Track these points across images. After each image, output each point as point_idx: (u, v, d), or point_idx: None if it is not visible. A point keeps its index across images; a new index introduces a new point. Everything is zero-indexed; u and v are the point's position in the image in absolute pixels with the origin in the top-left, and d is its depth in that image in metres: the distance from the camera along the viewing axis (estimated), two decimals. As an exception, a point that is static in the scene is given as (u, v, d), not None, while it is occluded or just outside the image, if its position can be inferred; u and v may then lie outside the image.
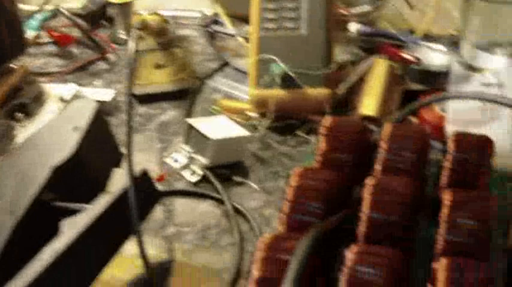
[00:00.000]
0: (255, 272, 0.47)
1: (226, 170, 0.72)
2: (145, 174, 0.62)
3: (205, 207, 0.70)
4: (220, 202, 0.69)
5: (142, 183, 0.61)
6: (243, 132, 0.73)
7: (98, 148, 0.66)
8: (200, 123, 0.73)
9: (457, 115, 0.71)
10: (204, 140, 0.71)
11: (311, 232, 0.49)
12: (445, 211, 0.52)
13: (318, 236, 0.49)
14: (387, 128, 0.61)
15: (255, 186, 0.70)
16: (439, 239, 0.52)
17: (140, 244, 0.58)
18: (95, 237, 0.58)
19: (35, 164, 0.66)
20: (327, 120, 0.63)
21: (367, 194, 0.54)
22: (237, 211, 0.67)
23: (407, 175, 0.58)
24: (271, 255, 0.48)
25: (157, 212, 0.68)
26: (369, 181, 0.55)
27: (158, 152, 0.77)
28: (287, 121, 0.78)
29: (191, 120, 0.74)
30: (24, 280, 0.53)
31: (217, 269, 0.62)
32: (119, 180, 0.61)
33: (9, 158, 0.68)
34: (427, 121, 0.73)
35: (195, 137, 0.73)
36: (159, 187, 0.71)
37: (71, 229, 0.58)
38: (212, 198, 0.70)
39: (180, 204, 0.70)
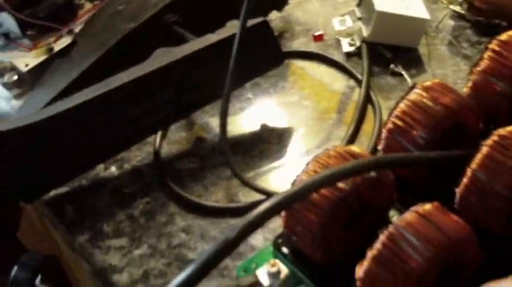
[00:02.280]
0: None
1: (389, 52, 0.60)
2: (263, 25, 0.52)
3: (343, 86, 0.59)
4: (358, 82, 0.58)
5: (258, 34, 0.52)
6: (422, 14, 0.59)
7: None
8: (381, -12, 0.60)
9: None
10: (371, 9, 0.59)
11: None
12: None
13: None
14: None
15: (409, 80, 0.58)
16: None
17: (225, 101, 0.50)
18: (186, 74, 0.51)
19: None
20: (504, 35, 0.49)
21: (484, 146, 0.41)
22: (370, 102, 0.56)
23: None
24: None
25: (291, 69, 0.60)
26: (498, 131, 0.42)
27: (336, 8, 0.66)
28: (494, 20, 0.62)
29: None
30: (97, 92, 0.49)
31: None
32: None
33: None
34: None
35: (366, 3, 0.60)
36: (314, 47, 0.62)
37: (158, 59, 0.51)
38: (352, 76, 0.59)
39: (320, 71, 0.60)
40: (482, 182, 0.40)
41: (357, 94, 0.56)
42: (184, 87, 0.51)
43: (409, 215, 0.38)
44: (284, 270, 0.42)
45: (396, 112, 0.44)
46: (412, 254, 0.36)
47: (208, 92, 0.53)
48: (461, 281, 0.38)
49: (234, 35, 0.49)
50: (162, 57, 0.51)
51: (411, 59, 0.60)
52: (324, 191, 0.39)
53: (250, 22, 0.51)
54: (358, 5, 0.62)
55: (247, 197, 0.49)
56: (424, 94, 0.44)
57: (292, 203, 0.36)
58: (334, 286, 0.41)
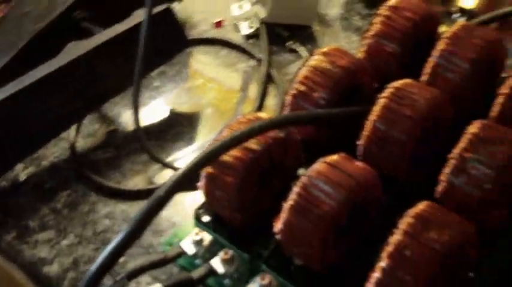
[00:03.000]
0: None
1: (286, 31, 0.63)
2: (167, 11, 0.55)
3: (244, 66, 0.61)
4: (259, 62, 0.61)
5: (162, 21, 0.54)
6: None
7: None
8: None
9: None
10: (266, -9, 0.62)
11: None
12: (458, 146, 0.41)
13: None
14: (454, 27, 0.50)
15: (305, 54, 0.61)
16: (442, 179, 0.42)
17: (136, 88, 0.52)
18: (94, 65, 0.53)
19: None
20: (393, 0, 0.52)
21: (381, 99, 0.44)
22: (270, 79, 0.59)
23: (453, 89, 0.47)
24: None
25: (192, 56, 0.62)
26: (392, 84, 0.45)
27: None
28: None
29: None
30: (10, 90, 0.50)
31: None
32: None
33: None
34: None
35: (262, -14, 0.64)
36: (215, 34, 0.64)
37: (69, 53, 0.53)
38: (252, 57, 0.62)
39: (220, 56, 0.63)
40: (382, 131, 0.44)
41: (259, 73, 0.59)
42: (94, 79, 0.52)
43: (319, 165, 0.40)
44: (207, 238, 0.45)
45: (298, 78, 0.47)
46: (325, 199, 0.39)
47: (118, 82, 0.54)
48: (367, 222, 0.41)
49: (140, 23, 0.52)
50: (72, 50, 0.52)
51: (306, 36, 0.63)
52: (237, 153, 0.41)
53: (155, 10, 0.53)
54: (254, -11, 0.65)
55: (165, 178, 0.51)
56: (323, 58, 0.48)
57: (212, 158, 0.39)
58: (253, 246, 0.43)
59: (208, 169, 0.42)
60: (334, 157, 0.41)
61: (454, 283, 0.38)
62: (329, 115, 0.45)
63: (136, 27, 0.52)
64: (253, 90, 0.58)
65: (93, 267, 0.36)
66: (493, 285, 0.41)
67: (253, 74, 0.60)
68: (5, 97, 0.49)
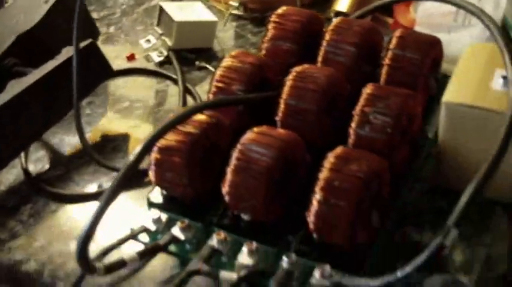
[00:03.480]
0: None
1: (191, 54, 0.73)
2: (92, 45, 0.63)
3: (162, 87, 0.71)
4: (177, 82, 0.70)
5: (89, 53, 0.63)
6: (211, 17, 0.73)
7: (68, 20, 0.66)
8: (171, 5, 0.73)
9: (426, 18, 0.68)
10: (170, 22, 0.71)
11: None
12: (359, 104, 0.52)
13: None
14: (336, 21, 0.61)
15: (213, 69, 0.70)
16: (351, 133, 0.51)
17: (77, 111, 0.60)
18: (36, 99, 0.60)
19: (3, 32, 0.68)
20: (279, 9, 0.63)
21: (288, 81, 0.54)
22: (188, 92, 0.68)
23: (344, 68, 0.57)
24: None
25: (113, 87, 0.71)
26: (295, 69, 0.55)
27: (138, 35, 0.78)
28: (266, 13, 0.77)
29: (163, 3, 0.74)
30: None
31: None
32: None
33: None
34: (399, 23, 0.71)
35: (164, 19, 0.73)
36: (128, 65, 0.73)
37: (13, 89, 0.60)
38: (168, 78, 0.71)
39: (138, 82, 0.72)
40: (294, 106, 0.53)
41: (176, 90, 0.68)
42: (37, 109, 0.60)
43: (249, 134, 0.50)
44: (164, 216, 0.53)
45: (216, 78, 0.56)
46: (261, 157, 0.48)
47: (55, 112, 0.62)
48: (298, 178, 0.51)
49: (70, 58, 0.60)
50: (13, 87, 0.59)
51: (210, 56, 0.73)
52: (179, 137, 0.50)
53: (82, 44, 0.61)
54: (158, 24, 0.74)
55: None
56: (233, 60, 0.57)
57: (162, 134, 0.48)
58: (205, 216, 0.52)
59: (156, 155, 0.51)
60: (260, 127, 0.50)
61: (375, 208, 0.48)
62: (247, 98, 0.55)
63: (68, 61, 0.60)
64: (174, 103, 0.67)
65: (82, 233, 0.43)
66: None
67: (172, 91, 0.69)
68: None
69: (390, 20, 0.73)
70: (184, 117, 0.50)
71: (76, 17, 0.60)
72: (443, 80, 0.57)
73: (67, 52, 0.62)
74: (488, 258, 0.70)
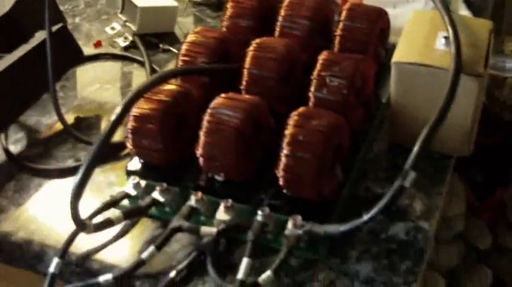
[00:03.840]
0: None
1: (155, 38, 0.77)
2: (64, 29, 0.67)
3: (129, 69, 0.75)
4: (143, 64, 0.74)
5: (60, 37, 0.66)
6: (172, 3, 0.78)
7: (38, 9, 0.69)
8: (135, -7, 0.78)
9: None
10: (134, 8, 0.76)
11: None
12: (316, 69, 0.57)
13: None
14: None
15: (176, 51, 0.75)
16: (310, 96, 0.56)
17: (54, 96, 0.64)
18: (11, 82, 0.64)
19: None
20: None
21: (249, 51, 0.59)
22: (153, 71, 0.73)
23: (299, 41, 0.62)
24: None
25: (83, 71, 0.75)
26: (255, 40, 0.60)
27: (103, 23, 0.82)
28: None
29: (126, -9, 0.78)
30: None
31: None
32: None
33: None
34: (349, 0, 0.76)
35: (128, 6, 0.77)
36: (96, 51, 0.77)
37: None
38: (135, 60, 0.75)
39: (106, 66, 0.76)
40: (255, 74, 0.58)
41: (143, 72, 0.73)
42: (16, 89, 0.63)
43: (218, 100, 0.54)
44: (143, 182, 0.57)
45: (182, 52, 0.61)
46: (230, 119, 0.52)
47: (31, 93, 0.65)
48: (263, 141, 0.55)
49: (43, 41, 0.64)
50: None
51: (172, 39, 0.78)
52: (152, 105, 0.54)
53: (53, 28, 0.65)
54: (121, 11, 0.79)
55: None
56: (197, 35, 0.62)
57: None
58: (181, 181, 0.56)
59: (132, 124, 0.55)
60: (227, 94, 0.55)
61: (338, 160, 0.52)
62: (212, 68, 0.59)
63: (41, 45, 0.64)
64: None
65: (73, 191, 0.47)
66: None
67: (139, 73, 0.74)
68: None
69: (340, -1, 0.78)
70: (153, 84, 0.54)
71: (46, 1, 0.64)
72: (392, 51, 0.62)
73: (40, 36, 0.66)
74: (447, 219, 0.76)
